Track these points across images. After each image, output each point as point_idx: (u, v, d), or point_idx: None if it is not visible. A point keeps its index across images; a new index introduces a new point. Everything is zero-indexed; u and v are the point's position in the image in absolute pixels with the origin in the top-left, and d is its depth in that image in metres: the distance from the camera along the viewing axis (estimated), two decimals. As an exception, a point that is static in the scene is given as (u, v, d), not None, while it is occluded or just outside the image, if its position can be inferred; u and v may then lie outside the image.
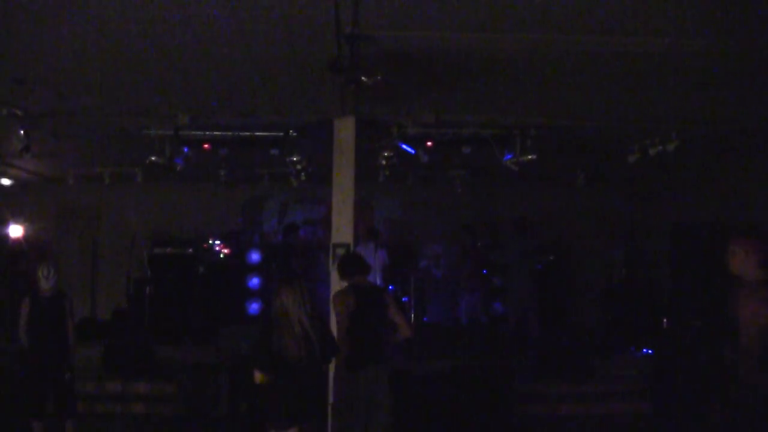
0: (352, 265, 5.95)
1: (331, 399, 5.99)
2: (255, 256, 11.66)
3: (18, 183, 11.63)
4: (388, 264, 10.81)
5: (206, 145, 8.39)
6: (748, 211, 9.04)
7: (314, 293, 5.00)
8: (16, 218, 11.12)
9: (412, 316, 11.38)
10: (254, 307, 11.41)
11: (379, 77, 5.40)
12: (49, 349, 6.62)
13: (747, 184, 9.47)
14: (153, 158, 8.26)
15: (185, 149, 8.45)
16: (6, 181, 11.16)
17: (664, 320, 10.02)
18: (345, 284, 5.95)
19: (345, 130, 7.53)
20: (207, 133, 8.29)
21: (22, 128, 7.61)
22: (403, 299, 11.45)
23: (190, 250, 11.60)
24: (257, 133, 8.31)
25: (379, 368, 5.66)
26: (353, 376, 5.54)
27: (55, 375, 6.66)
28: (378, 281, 10.12)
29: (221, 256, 12.20)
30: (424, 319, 11.94)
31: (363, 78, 5.33)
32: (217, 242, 12.20)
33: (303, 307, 4.72)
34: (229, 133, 8.31)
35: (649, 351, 10.13)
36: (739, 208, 9.26)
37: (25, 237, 10.99)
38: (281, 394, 4.67)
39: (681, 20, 4.95)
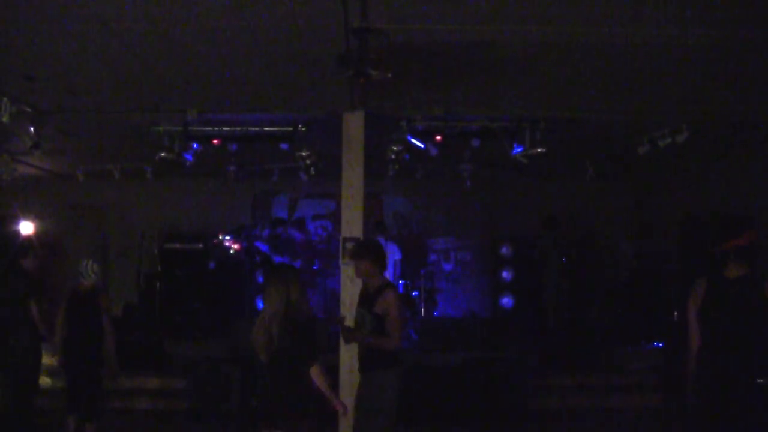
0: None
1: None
2: (265, 251, 11.65)
3: (28, 180, 11.67)
4: (399, 258, 10.79)
5: (215, 141, 8.41)
6: (759, 203, 8.98)
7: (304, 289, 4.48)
8: (26, 215, 11.15)
9: (422, 310, 11.37)
10: (264, 302, 11.38)
11: (387, 71, 5.38)
12: (85, 344, 6.56)
13: (756, 176, 9.40)
14: (162, 154, 8.29)
15: (194, 145, 8.47)
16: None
17: (675, 313, 9.97)
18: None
19: (354, 125, 7.51)
20: (216, 128, 8.31)
21: (31, 125, 7.64)
22: (413, 294, 11.45)
23: (201, 245, 11.61)
24: (266, 129, 8.33)
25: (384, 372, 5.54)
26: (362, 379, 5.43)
27: (90, 370, 6.60)
28: (390, 276, 10.12)
29: (231, 251, 12.22)
30: (435, 313, 11.93)
31: (371, 72, 5.31)
32: (227, 237, 12.21)
33: (274, 304, 4.40)
34: (238, 129, 8.33)
35: (660, 344, 10.09)
36: (748, 200, 9.19)
37: (35, 234, 11.01)
38: (256, 394, 4.50)
39: (686, 11, 4.91)
